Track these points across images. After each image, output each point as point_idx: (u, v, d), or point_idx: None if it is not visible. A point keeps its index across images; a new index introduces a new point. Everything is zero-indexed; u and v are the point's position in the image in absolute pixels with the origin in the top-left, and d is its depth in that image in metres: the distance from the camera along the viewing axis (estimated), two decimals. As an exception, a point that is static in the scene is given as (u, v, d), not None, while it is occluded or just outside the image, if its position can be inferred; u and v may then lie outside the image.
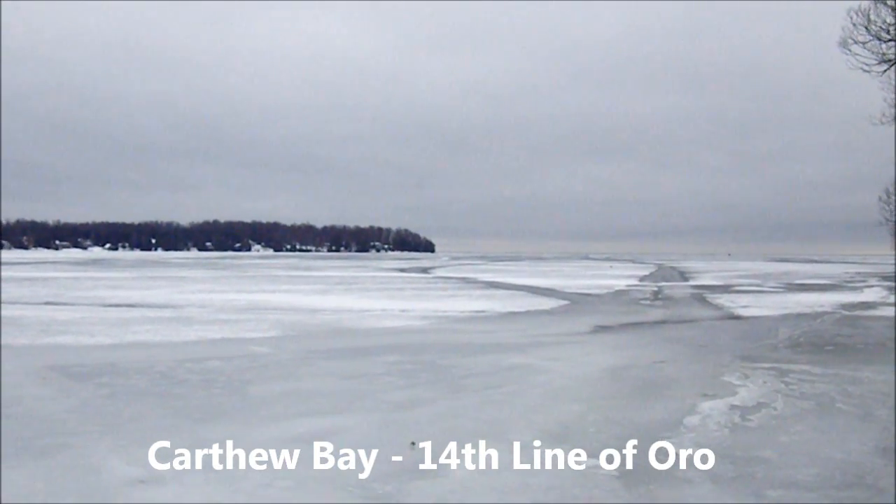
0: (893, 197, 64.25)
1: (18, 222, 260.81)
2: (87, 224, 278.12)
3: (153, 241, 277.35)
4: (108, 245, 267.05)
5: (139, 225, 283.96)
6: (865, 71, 22.71)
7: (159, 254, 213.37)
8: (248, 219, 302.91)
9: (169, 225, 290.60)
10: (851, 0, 22.88)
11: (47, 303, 28.27)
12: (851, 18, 22.46)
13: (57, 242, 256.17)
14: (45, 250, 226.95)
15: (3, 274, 55.16)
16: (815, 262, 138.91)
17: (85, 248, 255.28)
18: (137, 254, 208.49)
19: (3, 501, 6.20)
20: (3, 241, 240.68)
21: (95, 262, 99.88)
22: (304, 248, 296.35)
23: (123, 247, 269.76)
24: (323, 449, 7.84)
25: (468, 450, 7.84)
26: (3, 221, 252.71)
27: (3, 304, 26.85)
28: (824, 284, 50.41)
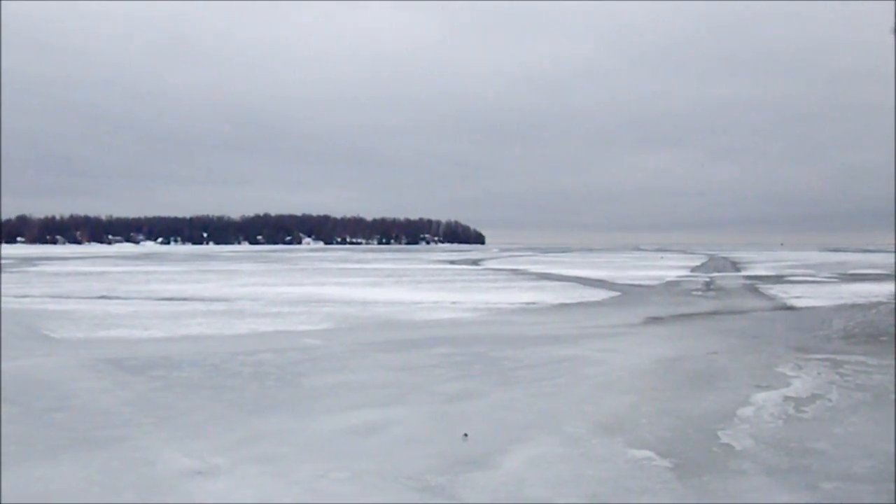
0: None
1: (72, 217, 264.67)
2: (139, 219, 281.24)
3: (204, 235, 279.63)
4: (160, 239, 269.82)
5: (191, 219, 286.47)
6: (920, 57, 22.33)
7: (211, 247, 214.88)
8: (298, 212, 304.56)
9: (220, 219, 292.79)
10: None
11: (101, 297, 28.65)
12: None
13: (110, 237, 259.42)
14: (99, 245, 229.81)
15: (58, 269, 56.00)
16: (870, 251, 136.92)
17: (137, 242, 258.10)
18: (189, 248, 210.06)
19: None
20: (58, 237, 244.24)
21: (148, 257, 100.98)
22: (354, 240, 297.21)
23: (175, 241, 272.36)
24: (376, 440, 7.94)
25: (521, 441, 7.88)
26: (58, 217, 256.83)
27: (58, 299, 27.31)
28: (879, 274, 49.67)
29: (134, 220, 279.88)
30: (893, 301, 27.28)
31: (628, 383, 11.35)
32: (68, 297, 28.10)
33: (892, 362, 13.20)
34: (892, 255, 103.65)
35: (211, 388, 10.95)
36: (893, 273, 50.54)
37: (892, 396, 10.38)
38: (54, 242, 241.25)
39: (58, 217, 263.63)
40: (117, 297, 28.33)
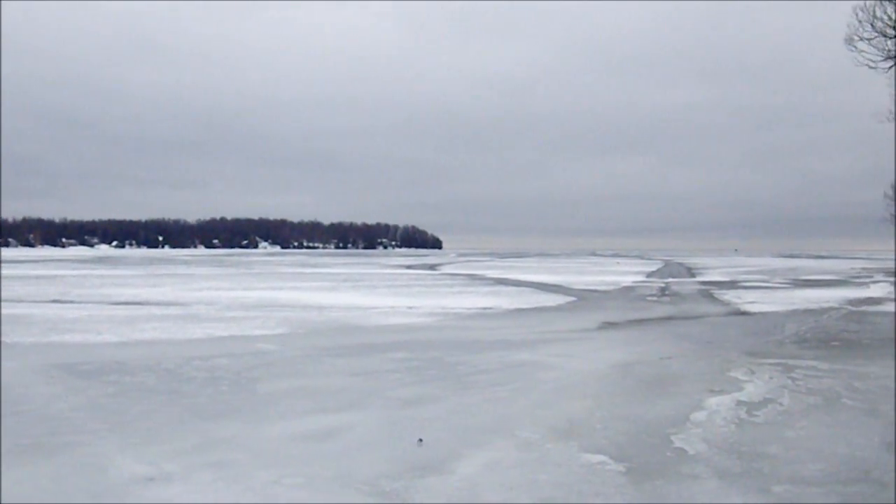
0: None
1: (25, 220, 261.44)
2: (93, 222, 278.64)
3: (160, 238, 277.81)
4: (115, 243, 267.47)
5: (146, 222, 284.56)
6: (871, 67, 22.67)
7: (166, 251, 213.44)
8: (255, 216, 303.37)
9: (176, 222, 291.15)
10: None
11: (54, 301, 28.32)
12: (857, 15, 22.43)
13: (64, 240, 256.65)
14: (52, 248, 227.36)
15: (10, 272, 55.27)
16: (822, 257, 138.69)
17: (92, 245, 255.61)
18: (144, 251, 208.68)
19: (3, 501, 6.24)
20: (10, 239, 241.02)
21: (102, 260, 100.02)
22: (311, 245, 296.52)
23: (130, 244, 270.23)
24: (331, 446, 7.92)
25: (476, 446, 7.89)
26: (10, 220, 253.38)
27: (10, 303, 26.93)
28: (831, 280, 50.35)
29: (88, 222, 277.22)
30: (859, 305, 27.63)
31: (583, 388, 11.40)
32: (20, 301, 27.73)
33: (842, 367, 13.36)
34: (845, 261, 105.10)
35: (165, 393, 10.85)
36: (868, 278, 51.21)
37: (843, 400, 10.51)
38: (6, 245, 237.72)
39: (10, 219, 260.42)
40: (70, 302, 28.03)
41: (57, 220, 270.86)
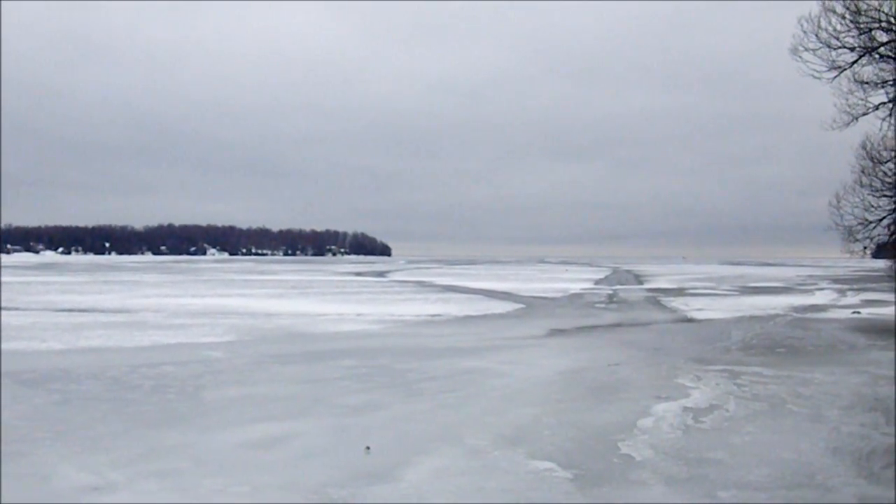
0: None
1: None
2: (39, 228, 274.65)
3: (107, 245, 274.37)
4: (60, 249, 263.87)
5: (92, 229, 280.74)
6: (816, 77, 22.99)
7: (113, 258, 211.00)
8: (203, 222, 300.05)
9: (123, 229, 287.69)
10: (805, 0, 23.13)
11: (-2, 308, 27.87)
12: (802, 26, 22.73)
13: (8, 246, 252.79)
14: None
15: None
16: (769, 265, 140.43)
17: (37, 252, 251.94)
18: (90, 258, 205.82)
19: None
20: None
21: (48, 267, 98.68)
22: (259, 251, 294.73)
23: (76, 251, 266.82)
24: (278, 454, 7.86)
25: (423, 454, 7.87)
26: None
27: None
28: (777, 287, 50.98)
29: (34, 229, 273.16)
30: (793, 314, 27.95)
31: (531, 395, 11.42)
32: (-39, 309, 27.26)
33: (787, 373, 13.52)
34: (791, 268, 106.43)
35: (110, 401, 10.72)
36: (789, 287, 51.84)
37: (788, 406, 10.62)
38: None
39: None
40: (15, 309, 27.59)
41: (2, 226, 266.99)
